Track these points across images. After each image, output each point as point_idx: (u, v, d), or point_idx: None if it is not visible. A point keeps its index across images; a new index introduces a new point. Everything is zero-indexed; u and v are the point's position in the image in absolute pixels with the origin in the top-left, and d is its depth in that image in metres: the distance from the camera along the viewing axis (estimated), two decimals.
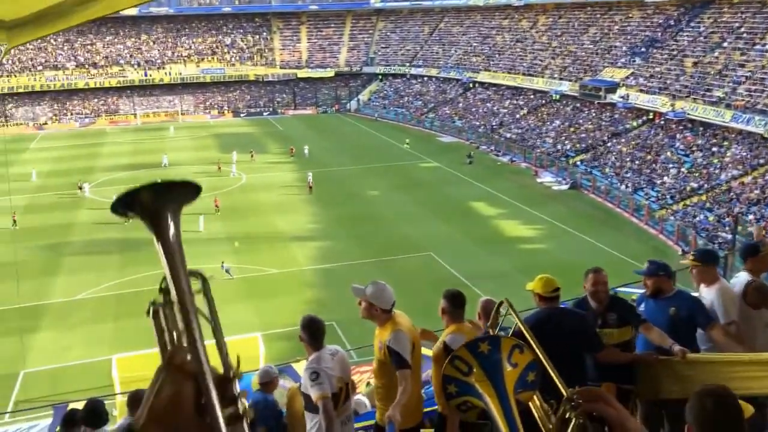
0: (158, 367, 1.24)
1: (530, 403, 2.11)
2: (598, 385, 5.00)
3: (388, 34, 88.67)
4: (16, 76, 75.88)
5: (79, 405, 6.48)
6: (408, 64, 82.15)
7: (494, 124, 62.30)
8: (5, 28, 5.95)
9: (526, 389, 2.10)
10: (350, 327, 20.66)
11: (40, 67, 77.50)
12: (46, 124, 73.66)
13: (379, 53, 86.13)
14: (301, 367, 10.76)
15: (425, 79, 79.35)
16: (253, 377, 9.90)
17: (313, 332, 4.84)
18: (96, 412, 5.80)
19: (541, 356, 2.13)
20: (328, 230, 36.61)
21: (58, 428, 6.31)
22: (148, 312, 1.31)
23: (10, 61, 75.03)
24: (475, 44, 77.27)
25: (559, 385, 1.85)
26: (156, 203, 1.30)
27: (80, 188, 45.10)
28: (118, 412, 13.72)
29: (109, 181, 47.15)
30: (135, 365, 20.12)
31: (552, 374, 1.96)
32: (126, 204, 1.29)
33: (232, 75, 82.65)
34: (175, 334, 1.29)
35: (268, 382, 6.48)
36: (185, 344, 1.27)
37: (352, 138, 64.03)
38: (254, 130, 68.63)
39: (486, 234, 35.60)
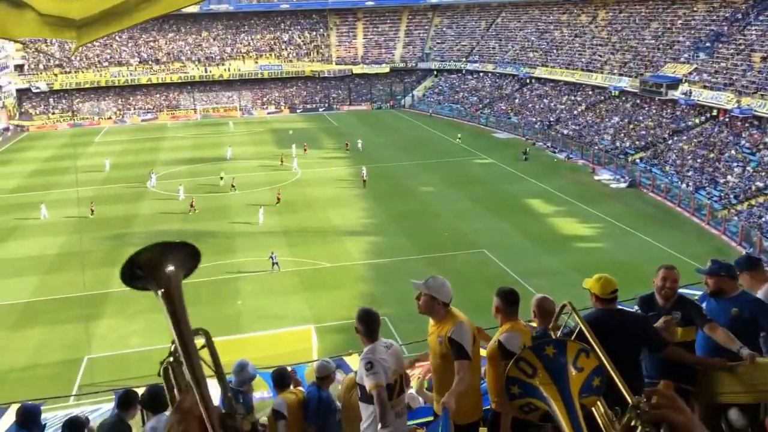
0: (170, 411, 1.53)
1: (593, 409, 2.07)
2: (656, 383, 4.89)
3: (444, 29, 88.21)
4: (83, 72, 78.68)
5: (139, 391, 6.66)
6: (464, 59, 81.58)
7: (551, 120, 61.33)
8: (75, 26, 6.22)
9: (591, 394, 2.06)
10: (402, 322, 20.72)
11: (105, 63, 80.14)
12: (125, 115, 76.15)
13: (435, 49, 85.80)
14: (353, 360, 10.83)
15: (481, 74, 78.65)
16: (306, 369, 10.02)
17: (369, 324, 4.88)
18: (156, 398, 5.94)
19: (605, 362, 2.09)
20: (381, 225, 36.72)
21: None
22: (159, 372, 1.55)
23: (77, 58, 77.94)
24: (532, 39, 76.17)
25: (624, 393, 1.81)
26: (160, 265, 1.57)
27: (150, 176, 46.84)
28: None
29: (172, 174, 48.40)
30: None
31: (617, 381, 1.92)
32: (133, 271, 1.56)
33: (289, 71, 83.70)
34: (183, 385, 1.57)
35: (324, 377, 6.49)
36: (192, 392, 1.53)
37: (406, 133, 64.03)
38: (310, 126, 69.39)
39: (541, 231, 35.10)
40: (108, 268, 31.03)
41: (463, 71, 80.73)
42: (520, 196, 41.49)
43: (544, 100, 66.35)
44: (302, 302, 27.08)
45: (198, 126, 72.19)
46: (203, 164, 51.80)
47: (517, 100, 69.66)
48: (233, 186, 44.01)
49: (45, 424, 6.35)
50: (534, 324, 5.38)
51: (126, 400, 6.02)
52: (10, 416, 8.18)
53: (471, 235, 34.33)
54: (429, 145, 57.92)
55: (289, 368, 7.13)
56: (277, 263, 29.99)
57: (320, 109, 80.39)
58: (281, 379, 6.56)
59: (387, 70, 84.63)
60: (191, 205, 39.67)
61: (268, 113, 79.27)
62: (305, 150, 54.90)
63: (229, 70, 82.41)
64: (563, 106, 63.32)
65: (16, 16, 4.43)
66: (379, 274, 29.25)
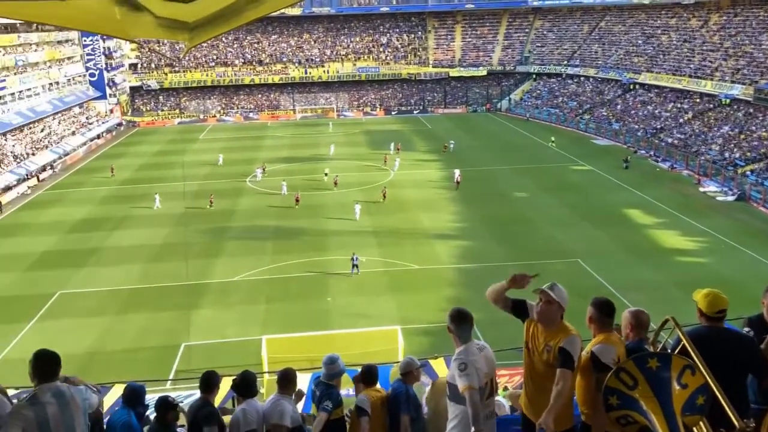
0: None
1: (695, 428, 1.98)
2: (764, 410, 4.59)
3: (545, 32, 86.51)
4: (191, 71, 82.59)
5: (230, 380, 6.88)
6: (564, 63, 79.71)
7: (655, 127, 58.87)
8: (187, 29, 6.52)
9: (694, 413, 1.97)
10: (489, 329, 20.34)
11: (212, 64, 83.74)
12: (229, 113, 79.51)
13: (535, 52, 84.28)
14: (438, 364, 10.79)
15: (582, 79, 76.60)
16: (392, 368, 10.07)
17: (461, 325, 4.83)
18: (247, 383, 6.10)
19: (711, 381, 1.99)
20: (472, 229, 36.40)
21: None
22: None
23: (186, 58, 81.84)
24: (638, 44, 73.42)
25: (731, 415, 1.72)
26: None
27: (263, 170, 49.46)
28: (265, 390, 14.54)
29: (271, 172, 49.83)
30: (282, 347, 21.23)
31: (723, 402, 1.82)
32: None
33: (385, 73, 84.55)
34: None
35: (407, 373, 6.49)
36: None
37: (501, 137, 63.25)
38: (404, 128, 69.77)
39: (640, 243, 33.73)
40: (207, 260, 32.49)
41: (563, 75, 78.91)
42: (618, 206, 40.07)
43: (648, 107, 63.79)
44: (390, 303, 27.25)
45: (297, 126, 74.19)
46: (301, 163, 53.20)
47: (619, 106, 67.34)
48: (336, 183, 45.19)
49: (147, 404, 6.67)
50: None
51: (206, 382, 6.17)
52: (114, 394, 8.68)
53: (565, 244, 33.47)
54: (525, 150, 56.96)
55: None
56: (357, 266, 30.00)
57: (415, 112, 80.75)
58: (368, 376, 6.61)
59: (484, 73, 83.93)
60: (297, 200, 41.12)
61: (364, 115, 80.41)
62: (398, 150, 55.66)
63: (327, 71, 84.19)
64: (668, 114, 60.64)
65: (134, 18, 4.71)
66: (468, 279, 28.97)
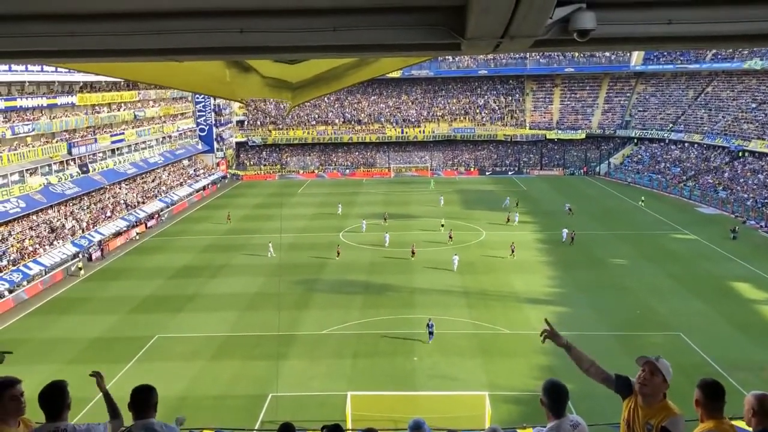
0: None
1: None
2: None
3: (648, 97, 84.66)
4: (293, 129, 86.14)
5: None
6: (668, 128, 77.43)
7: (767, 197, 55.64)
8: (291, 89, 6.85)
9: None
10: (581, 401, 19.44)
11: (313, 122, 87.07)
12: (326, 170, 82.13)
13: (636, 116, 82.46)
14: None
15: (686, 144, 73.98)
16: None
17: (555, 398, 4.62)
18: None
19: None
20: (567, 295, 35.25)
21: None
22: None
23: (290, 117, 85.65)
24: (748, 110, 70.39)
25: None
26: None
27: (385, 219, 52.72)
28: None
29: (370, 227, 50.65)
30: (367, 404, 21.06)
31: None
32: None
33: (481, 134, 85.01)
34: None
35: None
36: None
37: (600, 201, 61.65)
38: (498, 188, 69.39)
39: (749, 319, 31.52)
40: (298, 311, 33.03)
41: (667, 141, 76.56)
42: (725, 278, 37.80)
43: (759, 176, 60.55)
44: (477, 367, 26.58)
45: (391, 183, 75.38)
46: (398, 219, 53.69)
47: (726, 174, 64.32)
48: (450, 237, 46.23)
49: None
50: (743, 425, 4.77)
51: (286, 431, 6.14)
52: None
53: (666, 316, 31.77)
54: (624, 215, 55.19)
55: None
56: (432, 333, 29.02)
57: (509, 173, 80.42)
58: None
59: (583, 136, 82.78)
60: (413, 252, 42.40)
61: (458, 175, 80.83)
62: (517, 204, 58.17)
63: (423, 131, 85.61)
64: None
65: (243, 78, 4.98)
66: (560, 348, 27.88)
